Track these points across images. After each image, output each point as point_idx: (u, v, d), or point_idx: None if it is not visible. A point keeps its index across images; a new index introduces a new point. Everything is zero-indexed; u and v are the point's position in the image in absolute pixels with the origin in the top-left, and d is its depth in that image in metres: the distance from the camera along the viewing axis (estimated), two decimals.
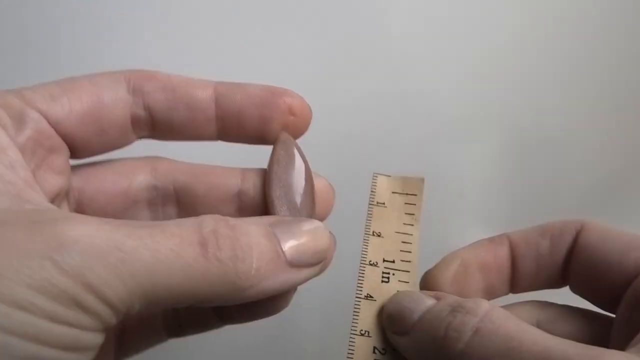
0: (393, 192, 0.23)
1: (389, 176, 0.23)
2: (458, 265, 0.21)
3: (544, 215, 0.46)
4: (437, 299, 0.19)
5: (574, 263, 0.21)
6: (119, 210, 0.21)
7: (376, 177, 0.23)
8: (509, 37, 0.44)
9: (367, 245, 0.22)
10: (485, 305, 0.17)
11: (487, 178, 0.45)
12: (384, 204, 0.23)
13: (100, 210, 0.21)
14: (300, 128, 0.21)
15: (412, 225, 0.22)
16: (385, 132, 0.43)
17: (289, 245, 0.18)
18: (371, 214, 0.22)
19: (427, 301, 0.19)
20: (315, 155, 0.22)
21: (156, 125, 0.21)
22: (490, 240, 0.22)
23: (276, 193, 0.20)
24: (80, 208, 0.21)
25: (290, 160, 0.21)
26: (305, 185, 0.21)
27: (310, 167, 0.22)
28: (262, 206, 0.21)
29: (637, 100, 0.47)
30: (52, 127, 0.19)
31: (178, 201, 0.22)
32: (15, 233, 0.14)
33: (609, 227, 0.21)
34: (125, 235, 0.15)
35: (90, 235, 0.14)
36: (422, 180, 0.23)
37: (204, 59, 0.38)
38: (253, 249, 0.17)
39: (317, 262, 0.19)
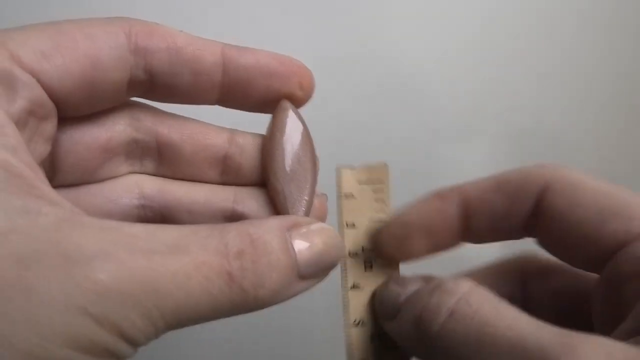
0: (360, 183, 0.23)
1: (352, 168, 0.23)
2: (402, 227, 0.21)
3: None
4: (425, 281, 0.19)
5: (540, 227, 0.19)
6: (96, 165, 0.19)
7: (340, 170, 0.23)
8: (509, 36, 0.44)
9: (342, 237, 0.22)
10: (465, 286, 0.17)
11: None
12: (352, 195, 0.22)
13: (76, 167, 0.19)
14: (302, 101, 0.20)
15: (384, 211, 0.22)
16: (385, 132, 0.43)
17: (304, 257, 0.17)
18: (341, 207, 0.22)
19: (414, 284, 0.19)
20: None
21: (154, 88, 0.19)
22: (440, 196, 0.21)
23: (279, 164, 0.19)
24: (56, 162, 0.19)
25: (295, 129, 0.20)
26: (309, 156, 0.20)
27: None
28: (251, 172, 0.20)
29: (637, 100, 0.47)
30: (45, 91, 0.16)
31: (160, 155, 0.20)
32: (50, 281, 0.13)
33: (577, 185, 0.18)
34: (160, 274, 0.14)
35: (126, 280, 0.13)
36: (386, 165, 0.22)
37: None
38: (273, 270, 0.16)
39: (326, 275, 0.18)
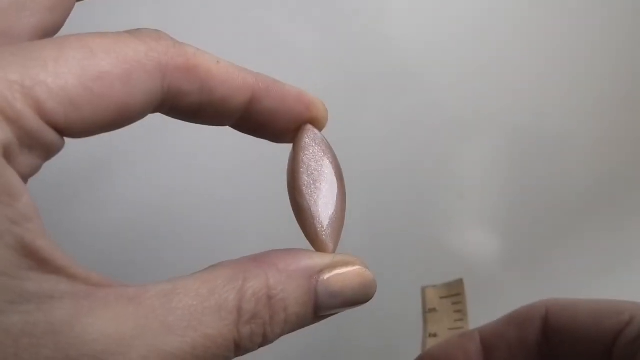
0: (441, 298, 0.26)
1: (435, 286, 0.26)
2: None
3: (544, 215, 0.46)
4: None
5: (553, 345, 0.21)
6: None
7: (425, 290, 0.26)
8: (509, 37, 0.44)
9: (424, 346, 0.25)
10: None
11: (487, 178, 0.45)
12: (434, 309, 0.26)
13: None
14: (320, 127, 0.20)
15: (462, 319, 0.25)
16: (385, 132, 0.43)
17: (327, 302, 0.16)
18: (426, 321, 0.25)
19: None
20: None
21: (169, 113, 0.17)
22: (462, 336, 0.23)
23: (304, 182, 0.19)
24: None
25: (317, 147, 0.19)
26: (335, 173, 0.19)
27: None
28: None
29: (637, 100, 0.47)
30: (62, 137, 0.15)
31: None
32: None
33: (572, 303, 0.21)
34: (174, 356, 0.14)
35: None
36: (462, 280, 0.26)
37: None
38: (287, 325, 0.16)
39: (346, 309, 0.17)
